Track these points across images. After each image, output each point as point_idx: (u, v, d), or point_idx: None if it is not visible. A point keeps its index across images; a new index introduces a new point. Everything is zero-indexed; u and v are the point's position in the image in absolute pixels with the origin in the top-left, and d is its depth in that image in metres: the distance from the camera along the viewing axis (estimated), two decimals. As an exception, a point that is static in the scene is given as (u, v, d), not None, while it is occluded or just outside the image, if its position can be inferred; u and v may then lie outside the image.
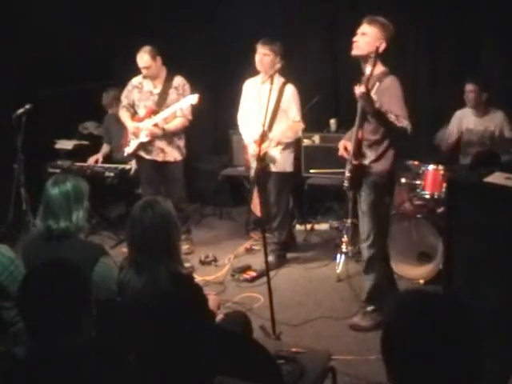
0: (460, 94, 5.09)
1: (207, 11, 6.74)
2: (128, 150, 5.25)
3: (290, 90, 4.81)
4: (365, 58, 3.61)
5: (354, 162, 3.74)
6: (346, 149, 3.83)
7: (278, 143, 4.80)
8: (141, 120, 5.13)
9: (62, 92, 6.12)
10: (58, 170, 5.58)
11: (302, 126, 4.91)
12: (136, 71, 5.55)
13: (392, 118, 3.47)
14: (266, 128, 4.68)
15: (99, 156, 6.06)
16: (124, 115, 5.26)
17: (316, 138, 5.86)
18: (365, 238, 3.88)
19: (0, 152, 5.61)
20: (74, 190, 2.87)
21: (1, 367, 1.94)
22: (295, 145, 5.14)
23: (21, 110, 5.25)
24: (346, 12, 6.11)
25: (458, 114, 5.19)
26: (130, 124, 5.15)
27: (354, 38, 3.64)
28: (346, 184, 3.79)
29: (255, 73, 4.93)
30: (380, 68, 3.64)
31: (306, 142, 5.83)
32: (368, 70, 3.50)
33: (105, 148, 6.20)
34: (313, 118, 5.30)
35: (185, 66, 5.29)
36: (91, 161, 6.00)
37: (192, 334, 1.99)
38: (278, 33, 5.72)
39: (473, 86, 4.96)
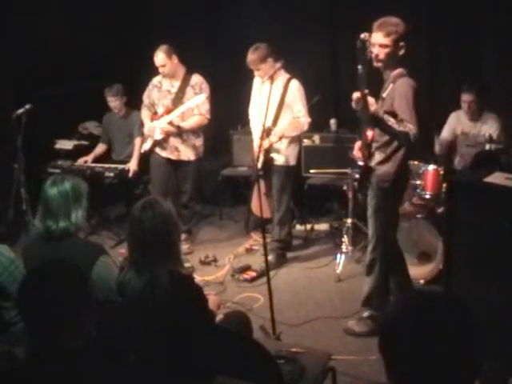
0: (459, 95, 5.09)
1: (207, 12, 6.73)
2: (145, 147, 5.35)
3: (295, 85, 4.83)
4: (386, 66, 3.56)
5: (361, 164, 3.67)
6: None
7: (281, 138, 4.83)
8: (158, 119, 5.21)
9: (61, 92, 6.12)
10: (57, 170, 5.57)
11: (306, 120, 4.89)
12: (137, 70, 5.56)
13: (391, 121, 3.33)
14: (269, 125, 4.72)
15: (89, 158, 5.98)
16: (144, 114, 5.39)
17: (316, 138, 5.86)
18: (369, 241, 3.86)
19: (0, 152, 5.62)
20: (73, 190, 2.87)
21: (1, 367, 1.95)
22: (300, 139, 5.22)
23: (21, 110, 5.24)
24: (346, 12, 6.11)
25: (454, 115, 5.18)
26: (147, 123, 5.28)
27: (374, 51, 3.48)
28: (356, 186, 3.74)
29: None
30: (397, 70, 3.54)
31: (306, 141, 5.83)
32: (360, 68, 3.34)
33: (99, 148, 6.15)
34: (313, 118, 5.28)
35: (184, 65, 5.28)
36: (80, 162, 5.93)
37: (192, 334, 1.99)
38: (278, 32, 5.73)
39: (469, 96, 4.90)
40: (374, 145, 3.63)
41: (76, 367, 1.78)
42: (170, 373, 1.99)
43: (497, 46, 5.46)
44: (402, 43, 3.48)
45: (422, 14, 5.74)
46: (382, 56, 3.49)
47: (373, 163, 3.66)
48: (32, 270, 2.04)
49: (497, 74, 5.50)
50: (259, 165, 4.78)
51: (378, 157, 3.64)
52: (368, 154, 3.63)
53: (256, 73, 4.82)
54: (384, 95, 3.56)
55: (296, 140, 5.04)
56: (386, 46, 3.47)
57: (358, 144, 3.78)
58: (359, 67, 3.31)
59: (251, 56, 4.72)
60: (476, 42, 5.56)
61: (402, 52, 3.50)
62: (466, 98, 4.93)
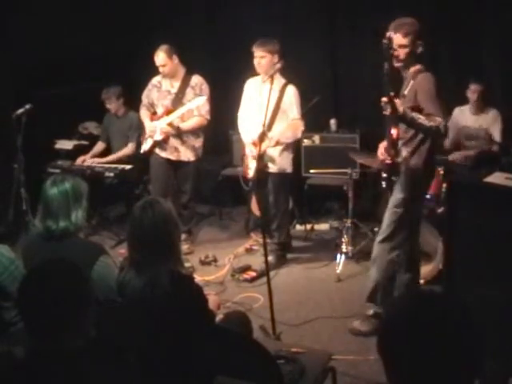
0: (460, 94, 5.11)
1: (207, 13, 6.74)
2: (144, 148, 5.35)
3: (292, 91, 4.80)
4: (405, 65, 3.62)
5: (388, 162, 3.67)
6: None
7: (277, 143, 4.79)
8: (157, 119, 5.22)
9: (61, 92, 6.12)
10: (57, 170, 5.57)
11: (302, 125, 4.89)
12: (137, 70, 5.55)
13: (421, 119, 3.41)
14: (265, 128, 4.64)
15: (87, 157, 5.99)
16: (143, 114, 5.39)
17: (316, 138, 5.87)
18: (380, 232, 3.84)
19: (0, 152, 5.62)
20: (73, 190, 2.87)
21: (1, 367, 1.94)
22: (294, 145, 5.12)
23: (21, 110, 5.24)
24: (346, 12, 6.11)
25: (457, 111, 5.28)
26: (147, 124, 5.28)
27: (395, 52, 3.53)
28: (383, 185, 3.73)
29: (256, 73, 4.92)
30: (415, 66, 3.61)
31: (306, 142, 5.84)
32: (386, 67, 3.40)
33: (98, 146, 6.17)
34: (313, 118, 5.29)
35: (185, 66, 5.28)
36: (79, 161, 5.95)
37: (192, 335, 1.99)
38: (278, 32, 5.73)
39: (478, 86, 5.04)
40: (400, 142, 3.67)
41: (76, 367, 1.78)
42: (170, 373, 1.98)
43: (497, 46, 5.46)
44: (419, 42, 3.56)
45: (422, 13, 5.74)
46: (402, 56, 3.56)
47: (401, 159, 3.69)
48: (32, 269, 2.03)
49: (497, 74, 5.50)
50: (250, 172, 4.79)
51: (404, 152, 3.68)
52: (395, 152, 3.65)
53: (256, 61, 4.73)
54: (406, 92, 3.61)
55: (289, 147, 4.93)
56: (405, 46, 3.54)
57: (382, 145, 3.76)
58: (385, 65, 3.38)
59: (262, 42, 4.71)
60: (476, 42, 5.56)
61: (419, 50, 3.57)
62: (474, 87, 5.06)
